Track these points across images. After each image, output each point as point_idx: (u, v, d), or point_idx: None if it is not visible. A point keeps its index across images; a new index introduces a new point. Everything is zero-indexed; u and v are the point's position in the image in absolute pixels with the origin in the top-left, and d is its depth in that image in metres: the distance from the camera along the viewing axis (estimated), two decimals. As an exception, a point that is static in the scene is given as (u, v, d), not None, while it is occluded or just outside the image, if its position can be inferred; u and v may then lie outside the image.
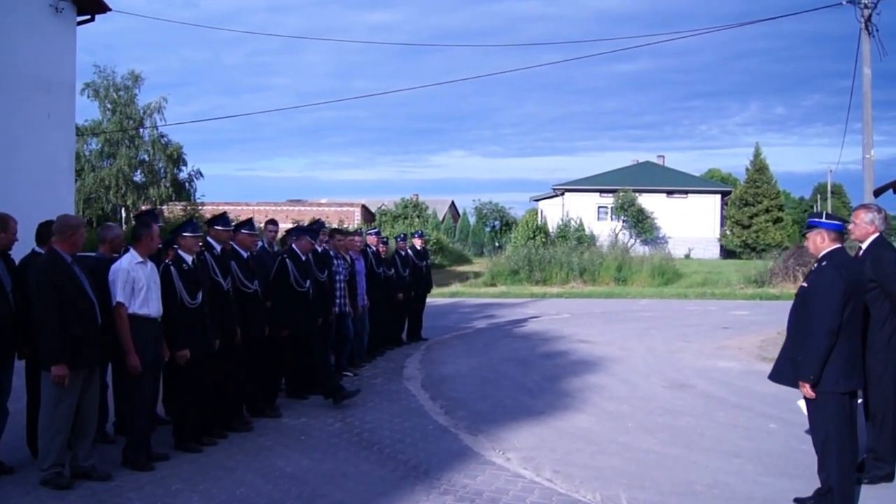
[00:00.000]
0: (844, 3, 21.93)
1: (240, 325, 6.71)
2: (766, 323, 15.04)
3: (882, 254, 5.41)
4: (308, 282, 7.85)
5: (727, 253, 47.28)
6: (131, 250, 5.82)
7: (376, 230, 11.63)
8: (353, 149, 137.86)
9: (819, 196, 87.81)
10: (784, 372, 4.93)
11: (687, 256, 40.64)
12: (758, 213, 47.40)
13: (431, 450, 6.34)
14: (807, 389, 4.72)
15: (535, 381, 9.38)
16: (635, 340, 12.83)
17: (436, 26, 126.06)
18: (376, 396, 8.22)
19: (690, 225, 45.84)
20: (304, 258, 7.96)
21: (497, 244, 35.72)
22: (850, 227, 5.69)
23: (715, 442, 6.59)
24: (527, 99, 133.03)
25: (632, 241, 40.99)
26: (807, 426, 7.09)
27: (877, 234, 5.52)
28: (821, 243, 4.83)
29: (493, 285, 24.10)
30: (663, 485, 5.44)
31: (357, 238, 10.26)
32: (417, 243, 12.59)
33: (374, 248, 10.87)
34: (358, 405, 7.81)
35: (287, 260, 7.75)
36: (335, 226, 19.91)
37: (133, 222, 13.70)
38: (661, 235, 45.12)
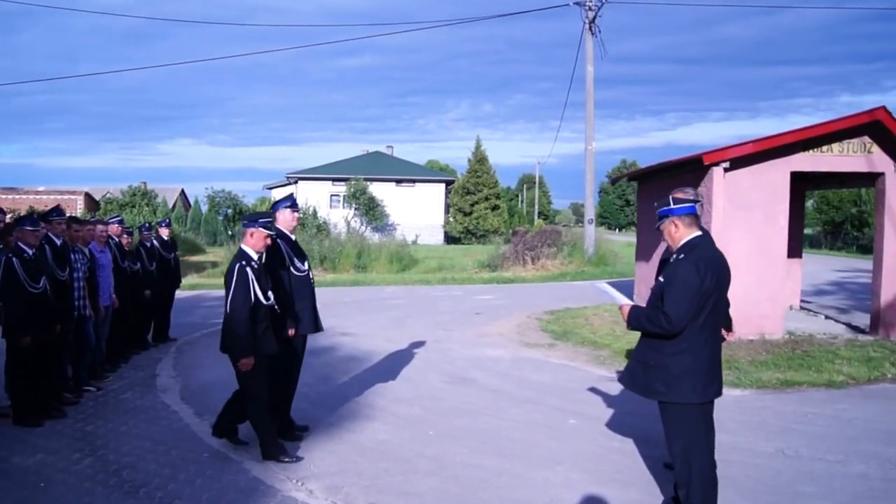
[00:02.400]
0: (571, 4, 23.61)
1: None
2: (513, 307, 15.41)
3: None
4: (42, 280, 6.08)
5: (450, 238, 49.35)
6: None
7: (118, 217, 9.73)
8: (75, 135, 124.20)
9: (524, 186, 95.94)
10: (636, 378, 4.42)
11: (414, 242, 41.54)
12: (478, 201, 50.16)
13: (214, 487, 5.06)
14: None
15: (309, 384, 8.28)
16: (396, 331, 12.27)
17: (167, 13, 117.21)
18: (129, 416, 6.64)
19: (417, 212, 47.25)
20: (30, 254, 6.08)
21: (230, 233, 33.64)
22: None
23: (526, 447, 6.10)
24: (256, 89, 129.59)
25: (363, 228, 41.05)
26: (606, 418, 7.01)
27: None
28: (675, 232, 4.33)
29: (231, 275, 22.24)
30: (499, 508, 4.78)
31: (101, 227, 8.41)
32: (164, 233, 10.86)
33: (117, 239, 9.12)
34: (109, 430, 6.20)
35: (13, 259, 5.88)
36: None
37: None
38: (390, 223, 45.96)
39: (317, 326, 6.36)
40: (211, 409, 7.08)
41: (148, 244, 10.27)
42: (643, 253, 14.13)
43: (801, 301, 13.86)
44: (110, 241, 8.86)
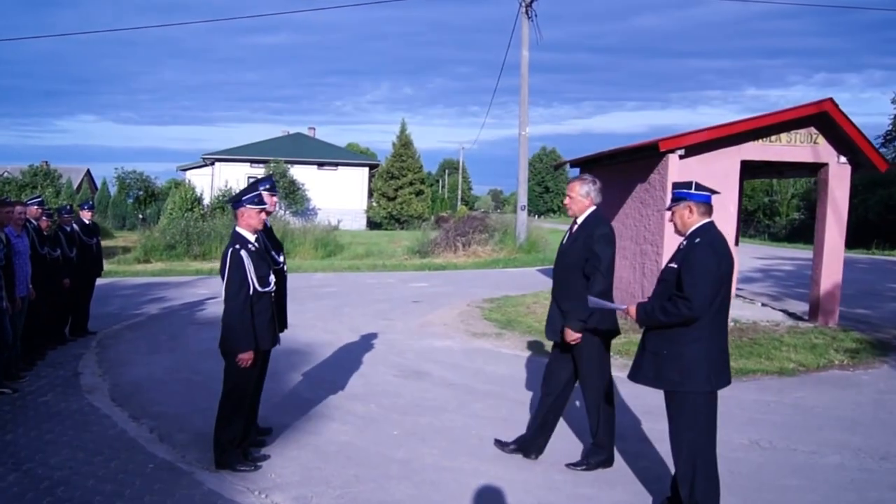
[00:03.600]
0: (508, -14, 23.32)
1: None
2: (451, 294, 15.11)
3: (595, 229, 5.08)
4: None
5: (373, 224, 48.67)
6: None
7: (38, 199, 8.83)
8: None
9: (446, 171, 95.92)
10: (643, 369, 4.18)
11: (336, 228, 40.82)
12: (403, 186, 49.53)
13: (167, 503, 4.53)
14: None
15: (254, 382, 7.75)
16: (335, 321, 11.78)
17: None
18: (55, 423, 5.97)
19: (340, 197, 46.35)
20: None
21: (141, 216, 32.08)
22: (567, 201, 5.29)
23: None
24: (164, 65, 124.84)
25: (282, 212, 39.97)
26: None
27: (593, 208, 5.18)
28: (688, 218, 4.15)
29: (148, 262, 21.09)
30: (487, 516, 4.44)
31: (19, 209, 7.58)
32: (86, 216, 9.99)
33: (36, 223, 8.31)
34: (34, 439, 5.54)
35: None
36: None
37: None
38: (311, 207, 44.89)
39: (286, 324, 5.92)
40: (147, 412, 6.51)
41: (68, 228, 9.43)
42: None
43: (736, 288, 14.07)
44: (28, 224, 8.06)
